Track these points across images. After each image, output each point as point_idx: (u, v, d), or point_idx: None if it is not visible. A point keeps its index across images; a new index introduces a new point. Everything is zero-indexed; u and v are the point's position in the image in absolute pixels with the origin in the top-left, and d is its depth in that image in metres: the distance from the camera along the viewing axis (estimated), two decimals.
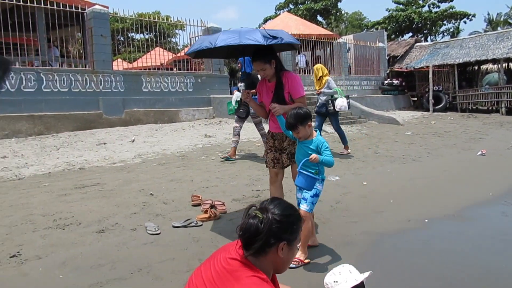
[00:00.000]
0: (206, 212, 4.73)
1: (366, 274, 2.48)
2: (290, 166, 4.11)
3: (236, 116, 8.08)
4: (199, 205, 5.11)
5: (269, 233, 1.81)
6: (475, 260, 3.79)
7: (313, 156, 3.47)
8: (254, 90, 4.97)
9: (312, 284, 3.31)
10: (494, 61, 18.45)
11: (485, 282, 3.39)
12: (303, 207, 3.65)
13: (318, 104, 8.93)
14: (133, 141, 9.49)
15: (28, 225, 4.46)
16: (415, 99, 20.57)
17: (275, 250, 1.83)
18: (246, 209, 1.94)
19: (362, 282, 2.44)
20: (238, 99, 7.88)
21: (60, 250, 3.85)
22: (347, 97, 8.77)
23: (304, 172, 3.51)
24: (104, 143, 9.25)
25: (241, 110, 7.90)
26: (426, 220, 4.73)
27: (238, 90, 8.27)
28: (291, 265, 3.61)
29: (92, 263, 3.61)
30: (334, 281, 2.42)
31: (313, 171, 3.58)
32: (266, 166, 4.29)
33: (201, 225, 4.54)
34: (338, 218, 4.82)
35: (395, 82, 19.76)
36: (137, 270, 3.50)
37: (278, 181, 4.23)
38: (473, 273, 3.54)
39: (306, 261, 3.65)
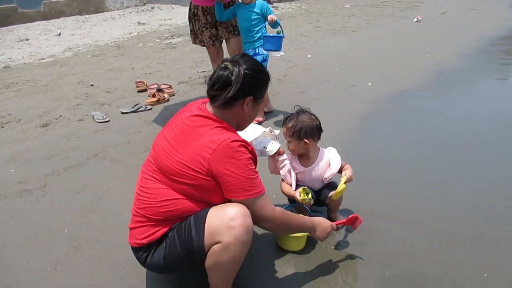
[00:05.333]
0: (154, 96, 4.59)
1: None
2: (227, 41, 3.99)
3: None
4: (145, 90, 4.94)
5: (240, 86, 1.77)
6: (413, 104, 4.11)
7: (270, 17, 3.59)
8: None
9: None
10: None
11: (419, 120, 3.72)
12: None
13: None
14: (59, 34, 8.67)
15: None
16: None
17: (241, 104, 1.80)
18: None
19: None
20: None
21: (4, 147, 3.65)
22: None
23: (270, 34, 3.58)
24: (27, 39, 8.38)
25: None
26: (369, 84, 4.94)
27: None
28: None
29: (43, 155, 3.48)
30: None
31: (276, 31, 3.57)
32: (204, 45, 4.06)
33: (151, 108, 4.44)
34: (287, 89, 4.89)
35: None
36: (93, 156, 3.44)
37: (220, 59, 4.07)
38: (412, 109, 3.85)
39: (262, 119, 4.00)
